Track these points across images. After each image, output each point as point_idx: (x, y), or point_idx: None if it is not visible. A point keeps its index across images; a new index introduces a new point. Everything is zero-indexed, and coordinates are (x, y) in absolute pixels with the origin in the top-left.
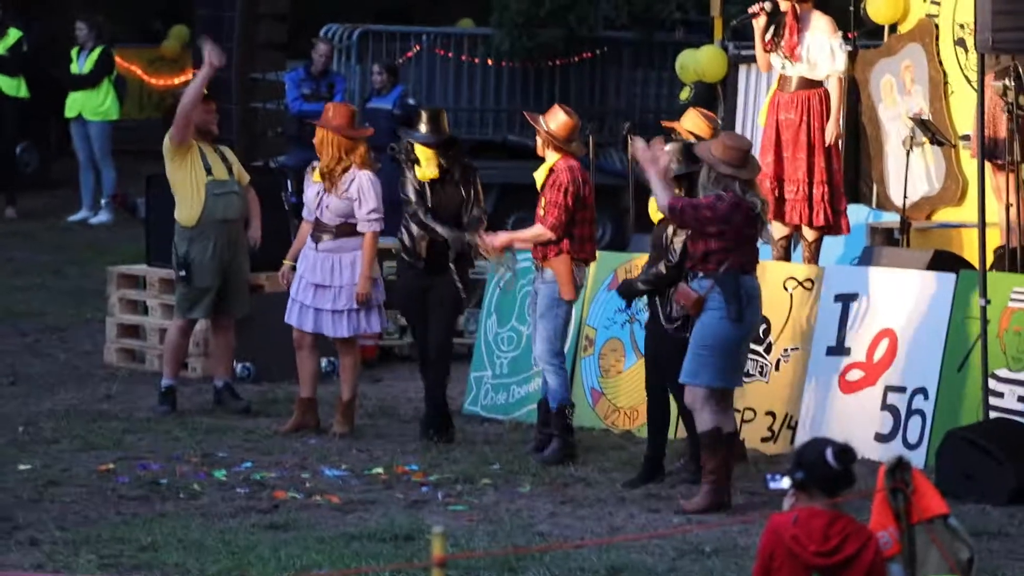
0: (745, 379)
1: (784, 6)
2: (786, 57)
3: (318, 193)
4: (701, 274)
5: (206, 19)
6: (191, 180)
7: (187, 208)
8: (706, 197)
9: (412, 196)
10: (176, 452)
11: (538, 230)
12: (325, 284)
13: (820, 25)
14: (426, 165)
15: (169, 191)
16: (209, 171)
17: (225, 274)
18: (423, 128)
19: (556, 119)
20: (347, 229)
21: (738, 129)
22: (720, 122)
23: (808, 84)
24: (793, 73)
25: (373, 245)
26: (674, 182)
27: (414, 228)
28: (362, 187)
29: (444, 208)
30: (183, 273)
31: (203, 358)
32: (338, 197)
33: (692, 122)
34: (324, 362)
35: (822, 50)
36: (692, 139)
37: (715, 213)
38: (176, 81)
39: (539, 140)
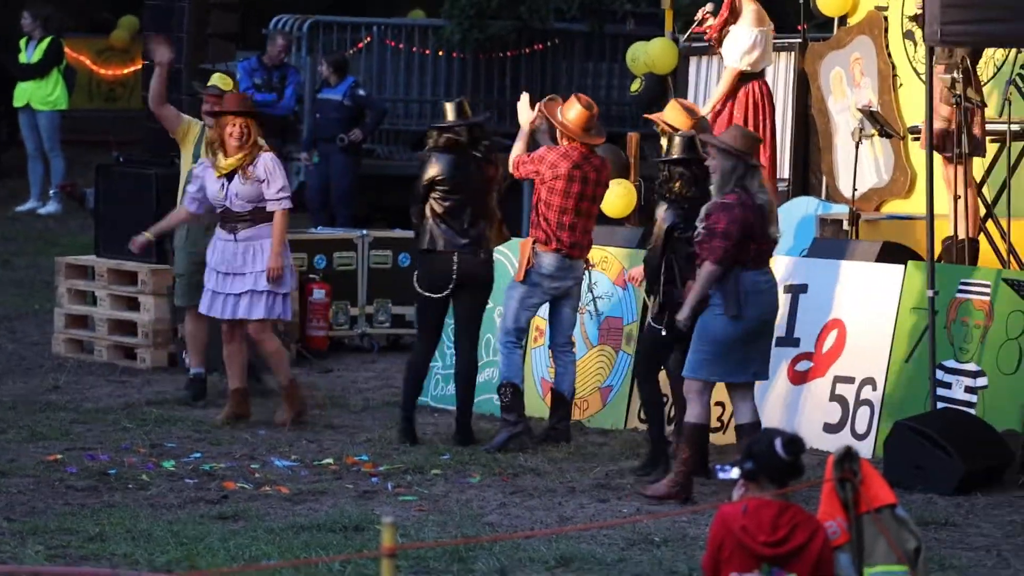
0: None
1: None
2: (712, 44)
3: (223, 185)
4: None
5: (156, 9)
6: (184, 166)
7: (178, 193)
8: (714, 217)
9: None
10: (125, 443)
11: (515, 153)
12: (242, 272)
13: (747, 15)
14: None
15: (117, 181)
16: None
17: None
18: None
19: (572, 110)
20: (262, 215)
21: None
22: (702, 115)
23: (744, 76)
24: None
25: (284, 223)
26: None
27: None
28: (267, 167)
29: None
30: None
31: (151, 349)
32: (247, 182)
33: (672, 115)
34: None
35: (737, 39)
36: (675, 131)
37: (735, 226)
38: (125, 71)
39: (557, 132)
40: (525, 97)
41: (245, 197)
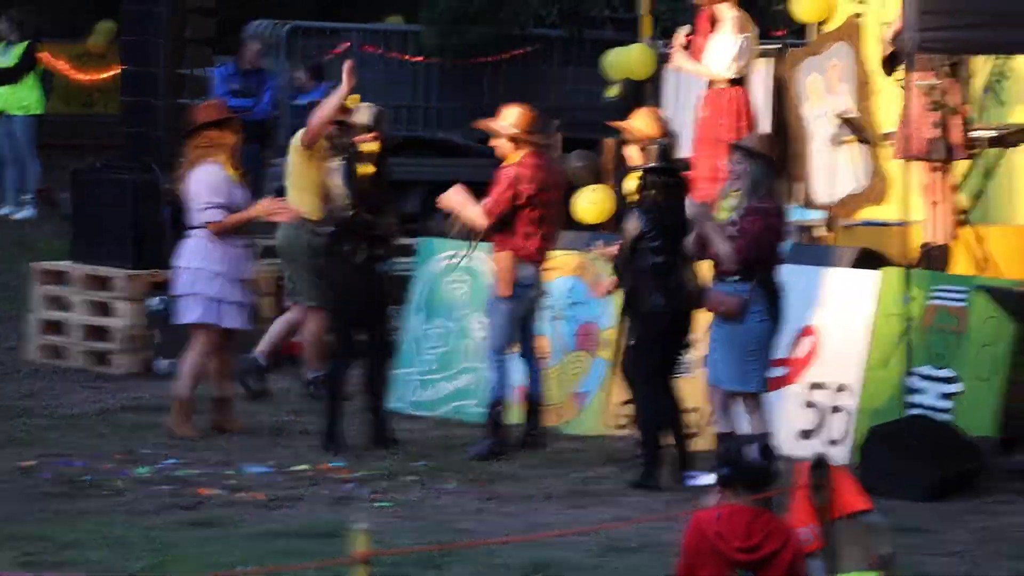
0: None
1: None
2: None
3: (243, 192)
4: (737, 277)
5: (133, 14)
6: (319, 176)
7: (315, 200)
8: (749, 219)
9: (352, 193)
10: (99, 449)
11: (476, 212)
12: (248, 278)
13: (728, 22)
14: (368, 161)
15: (93, 187)
16: None
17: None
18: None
19: (511, 115)
20: None
21: None
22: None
23: (728, 83)
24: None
25: None
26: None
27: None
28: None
29: (378, 205)
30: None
31: (126, 355)
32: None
33: (644, 122)
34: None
35: (723, 47)
36: (644, 139)
37: (762, 230)
38: (102, 76)
39: (501, 142)
40: (452, 192)
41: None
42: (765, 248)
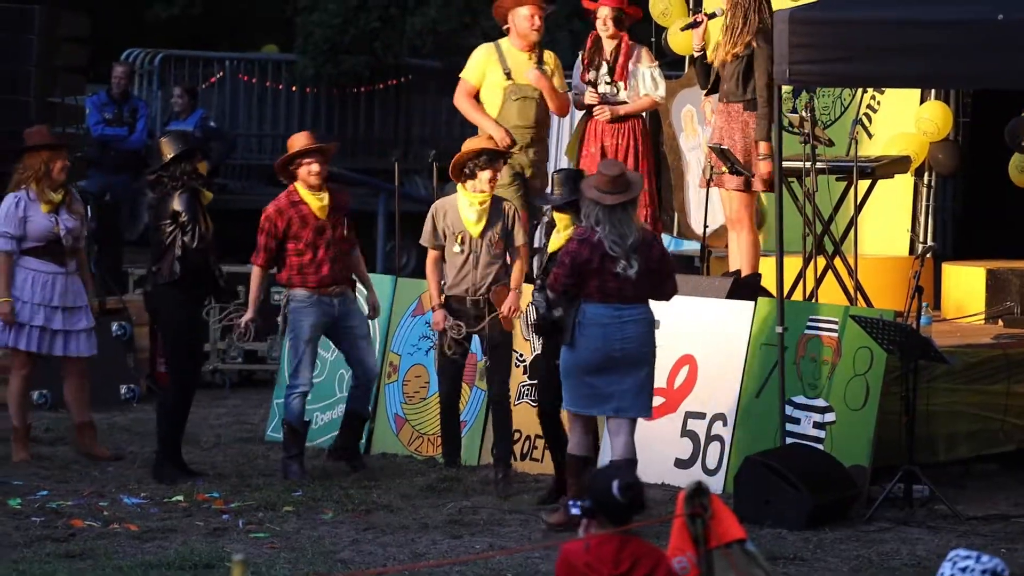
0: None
1: (607, 32)
2: (612, 83)
3: (54, 219)
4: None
5: (3, 42)
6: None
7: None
8: (566, 248)
9: (194, 223)
10: None
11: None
12: (78, 305)
13: (644, 55)
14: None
15: None
16: None
17: None
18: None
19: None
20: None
21: None
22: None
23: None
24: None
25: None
26: (558, 211)
27: (191, 255)
28: (80, 204)
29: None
30: None
31: None
32: (74, 217)
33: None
34: (36, 395)
35: (642, 79)
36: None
37: (568, 257)
38: None
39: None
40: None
41: (74, 232)
42: (572, 276)
